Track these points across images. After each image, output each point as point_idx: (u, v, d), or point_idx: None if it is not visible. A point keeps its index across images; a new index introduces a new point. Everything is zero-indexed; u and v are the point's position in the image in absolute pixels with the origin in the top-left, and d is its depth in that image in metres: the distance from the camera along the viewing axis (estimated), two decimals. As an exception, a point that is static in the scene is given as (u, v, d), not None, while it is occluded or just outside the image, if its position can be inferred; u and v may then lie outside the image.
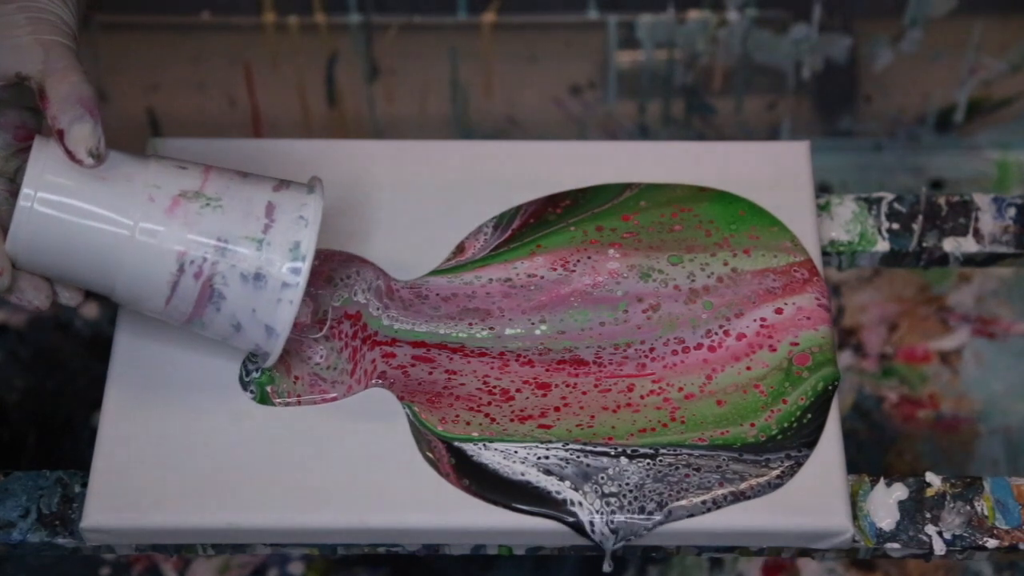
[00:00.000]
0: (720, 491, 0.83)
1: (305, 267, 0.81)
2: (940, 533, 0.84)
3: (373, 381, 0.86)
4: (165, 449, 0.84)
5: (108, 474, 0.84)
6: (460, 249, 0.92)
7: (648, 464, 0.84)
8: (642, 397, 0.86)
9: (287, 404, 0.86)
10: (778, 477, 0.83)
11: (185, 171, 0.81)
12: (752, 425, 0.85)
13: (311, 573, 1.22)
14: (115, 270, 0.80)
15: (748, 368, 0.88)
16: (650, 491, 0.83)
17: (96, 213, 0.79)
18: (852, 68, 1.34)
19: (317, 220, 0.82)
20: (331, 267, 0.91)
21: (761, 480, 0.83)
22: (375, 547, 0.85)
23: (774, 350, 0.88)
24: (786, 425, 0.85)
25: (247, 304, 0.81)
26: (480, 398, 0.86)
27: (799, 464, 0.84)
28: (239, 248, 0.80)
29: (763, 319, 0.89)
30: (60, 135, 0.77)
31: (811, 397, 0.86)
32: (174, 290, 0.81)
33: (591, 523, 0.82)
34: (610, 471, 0.84)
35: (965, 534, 0.84)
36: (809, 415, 0.86)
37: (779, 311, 0.90)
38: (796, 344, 0.88)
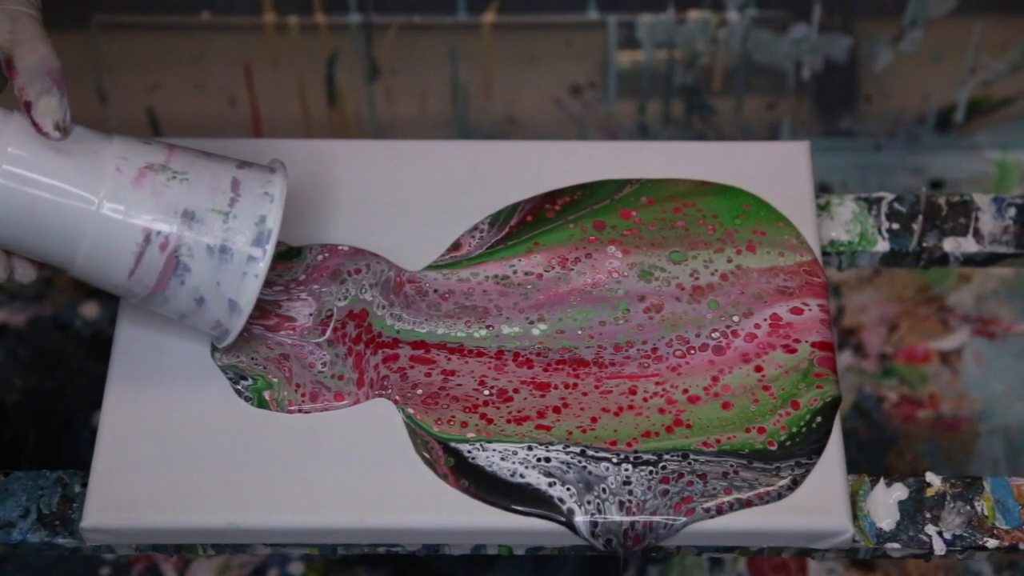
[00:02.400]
0: (726, 498, 0.83)
1: (271, 242, 0.81)
2: (940, 533, 0.84)
3: (376, 392, 0.86)
4: (165, 449, 0.84)
5: (108, 474, 0.84)
6: (456, 246, 0.92)
7: (651, 471, 0.84)
8: (645, 399, 0.86)
9: (289, 413, 0.86)
10: (788, 486, 0.83)
11: (149, 146, 0.81)
12: (761, 431, 0.85)
13: (311, 573, 1.22)
14: (78, 241, 0.80)
15: (759, 369, 0.87)
16: (653, 502, 0.83)
17: (60, 187, 0.79)
18: (852, 68, 1.34)
19: (282, 198, 0.82)
20: (337, 261, 0.91)
21: (770, 489, 0.83)
22: (375, 547, 0.85)
23: (792, 351, 0.87)
24: (795, 430, 0.85)
25: (212, 277, 0.81)
26: (477, 399, 0.86)
27: (808, 472, 0.84)
28: (205, 220, 0.81)
29: (776, 318, 0.89)
30: (27, 107, 0.77)
31: (824, 399, 0.86)
32: (138, 262, 0.81)
33: (592, 526, 0.82)
34: (611, 481, 0.83)
35: (965, 534, 0.84)
36: (819, 418, 0.85)
37: (798, 311, 0.89)
38: (816, 345, 0.88)
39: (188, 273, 0.81)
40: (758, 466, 0.83)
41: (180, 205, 0.80)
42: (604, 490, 0.83)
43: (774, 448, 0.84)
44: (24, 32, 0.78)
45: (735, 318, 0.89)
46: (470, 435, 0.85)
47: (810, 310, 0.89)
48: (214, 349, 0.88)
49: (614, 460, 0.84)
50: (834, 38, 1.32)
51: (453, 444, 0.84)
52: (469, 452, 0.84)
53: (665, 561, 1.21)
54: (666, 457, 0.84)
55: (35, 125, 0.78)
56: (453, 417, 0.85)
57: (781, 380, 0.87)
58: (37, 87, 0.77)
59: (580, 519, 0.82)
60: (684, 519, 0.82)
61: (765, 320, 0.89)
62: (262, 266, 0.81)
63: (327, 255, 0.91)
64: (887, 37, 1.32)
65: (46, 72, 0.77)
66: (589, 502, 0.83)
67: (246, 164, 0.84)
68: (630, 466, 0.84)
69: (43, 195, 0.79)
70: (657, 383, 0.87)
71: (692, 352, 0.88)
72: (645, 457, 0.84)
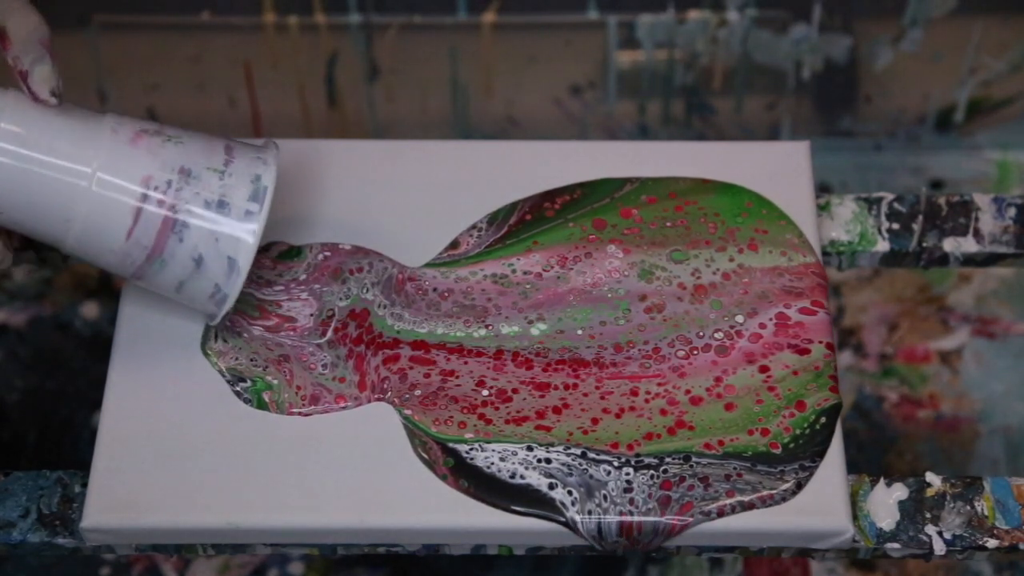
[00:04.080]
0: (728, 501, 0.82)
1: (267, 198, 0.82)
2: (940, 533, 0.84)
3: (377, 396, 0.86)
4: (165, 449, 0.84)
5: (108, 474, 0.84)
6: (454, 244, 0.92)
7: (652, 475, 0.83)
8: (647, 400, 0.86)
9: (290, 415, 0.86)
10: (792, 490, 0.83)
11: (141, 119, 0.83)
12: (764, 432, 0.85)
13: (311, 573, 1.22)
14: (75, 206, 0.80)
15: (764, 369, 0.87)
16: (654, 506, 0.83)
17: (57, 149, 0.80)
18: (852, 68, 1.34)
19: (275, 162, 0.83)
20: (339, 260, 0.91)
21: (774, 492, 0.83)
22: (375, 547, 0.85)
23: (804, 351, 0.87)
24: (798, 432, 0.85)
25: (210, 233, 0.82)
26: (476, 399, 0.86)
27: (811, 474, 0.84)
28: (202, 177, 0.82)
29: (784, 318, 0.89)
30: (23, 76, 0.79)
31: (833, 400, 0.86)
32: (137, 220, 0.81)
33: (593, 527, 0.82)
34: (612, 487, 0.83)
35: (965, 534, 0.84)
36: (824, 419, 0.85)
37: (809, 311, 0.89)
38: (827, 346, 0.88)
39: (186, 230, 0.82)
40: (762, 469, 0.83)
41: (176, 163, 0.82)
42: (605, 497, 0.83)
43: (778, 451, 0.84)
44: (12, 2, 0.79)
45: (738, 318, 0.89)
46: (468, 435, 0.85)
47: (819, 311, 0.89)
48: (209, 353, 0.87)
49: (615, 463, 0.84)
50: (834, 38, 1.32)
51: (451, 444, 0.84)
52: (468, 453, 0.84)
53: (665, 561, 1.21)
54: (668, 460, 0.84)
55: (32, 93, 0.79)
56: (451, 417, 0.85)
57: (788, 380, 0.86)
58: (31, 56, 0.79)
59: (580, 519, 0.82)
60: (687, 525, 0.82)
61: (771, 320, 0.88)
62: (260, 221, 0.82)
63: (329, 254, 0.91)
64: (887, 37, 1.32)
65: (38, 41, 0.79)
66: (591, 511, 0.82)
67: (235, 139, 0.86)
68: (631, 469, 0.84)
69: (40, 158, 0.79)
70: (659, 384, 0.86)
71: (695, 352, 0.88)
72: (647, 461, 0.84)
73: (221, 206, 0.82)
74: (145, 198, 0.81)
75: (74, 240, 0.82)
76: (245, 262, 0.83)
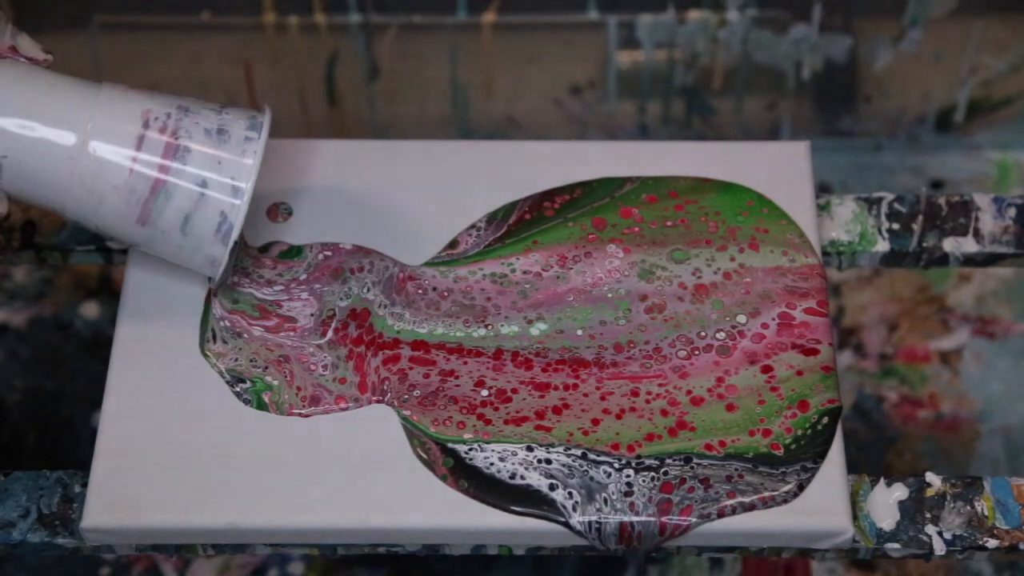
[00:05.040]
0: (729, 502, 0.82)
1: (264, 130, 0.84)
2: (940, 533, 0.84)
3: (377, 398, 0.86)
4: (165, 449, 0.84)
5: (108, 474, 0.84)
6: (453, 244, 0.92)
7: (653, 477, 0.83)
8: (647, 401, 0.86)
9: (290, 415, 0.86)
10: (794, 492, 0.83)
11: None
12: (766, 433, 0.85)
13: (311, 573, 1.22)
14: (78, 141, 0.81)
15: (767, 369, 0.87)
16: (655, 510, 0.82)
17: (59, 89, 0.82)
18: (852, 68, 1.34)
19: (267, 116, 0.85)
20: (340, 260, 0.91)
21: (775, 493, 0.83)
22: (375, 547, 0.85)
23: (811, 352, 0.87)
24: (800, 433, 0.85)
25: (213, 156, 0.83)
26: (475, 399, 0.86)
27: (813, 476, 0.83)
28: (200, 112, 0.84)
29: (788, 318, 0.88)
30: (13, 50, 0.83)
31: (837, 400, 0.86)
32: (140, 146, 0.82)
33: (593, 527, 0.82)
34: (612, 489, 0.83)
35: (965, 534, 0.84)
36: (826, 419, 0.85)
37: (816, 312, 0.89)
38: (832, 347, 0.87)
39: (188, 155, 0.83)
40: (763, 470, 0.83)
41: (174, 102, 0.84)
42: (606, 500, 0.83)
43: (780, 452, 0.84)
44: None
45: (740, 318, 0.89)
46: (467, 436, 0.85)
47: (822, 311, 0.89)
48: (209, 354, 0.87)
49: (616, 465, 0.84)
50: (834, 38, 1.32)
51: (450, 445, 0.84)
52: (467, 453, 0.84)
53: (665, 561, 1.21)
54: (668, 461, 0.84)
55: (28, 59, 0.83)
56: (450, 418, 0.85)
57: (792, 381, 0.86)
58: (6, 34, 0.83)
59: (580, 520, 0.82)
60: (687, 526, 0.82)
61: (773, 320, 0.88)
62: (259, 146, 0.83)
63: (329, 254, 0.91)
64: (887, 37, 1.32)
65: (7, 20, 0.84)
66: (591, 513, 0.82)
67: None
68: (632, 471, 0.83)
69: (43, 99, 0.82)
70: (660, 384, 0.86)
71: (696, 353, 0.88)
72: (647, 462, 0.84)
73: (221, 133, 0.83)
74: (147, 125, 0.82)
75: (78, 181, 0.82)
76: (249, 186, 0.83)
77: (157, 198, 0.83)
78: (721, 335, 0.88)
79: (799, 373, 0.86)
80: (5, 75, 0.82)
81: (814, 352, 0.87)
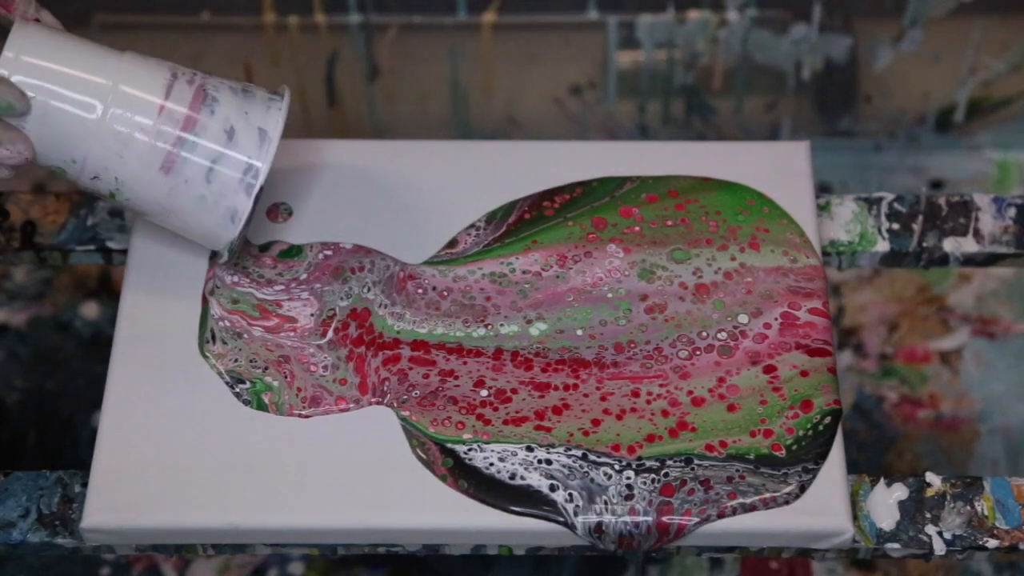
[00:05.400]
0: (730, 503, 0.82)
1: (286, 98, 0.85)
2: (940, 533, 0.84)
3: (377, 399, 0.86)
4: (165, 449, 0.84)
5: (108, 474, 0.84)
6: (452, 243, 0.92)
7: (654, 479, 0.83)
8: (648, 402, 0.86)
9: (290, 416, 0.86)
10: (795, 493, 0.83)
11: None
12: (767, 433, 0.84)
13: (311, 573, 1.22)
14: (109, 81, 0.82)
15: (770, 369, 0.87)
16: (654, 513, 0.82)
17: (86, 49, 0.83)
18: (852, 68, 1.34)
19: (288, 92, 0.86)
20: (340, 259, 0.91)
21: (777, 495, 0.83)
22: (375, 547, 0.85)
23: (817, 353, 0.87)
24: (801, 433, 0.85)
25: (239, 108, 0.84)
26: (474, 399, 0.86)
27: (814, 477, 0.83)
28: (224, 77, 0.85)
29: (792, 318, 0.88)
30: (38, 23, 0.84)
31: (840, 400, 0.86)
32: (169, 92, 0.83)
33: (593, 527, 0.82)
34: (612, 492, 0.83)
35: (965, 534, 0.84)
36: (828, 419, 0.85)
37: (820, 313, 0.89)
38: (833, 347, 0.87)
39: (216, 104, 0.83)
40: (765, 471, 0.83)
41: (198, 68, 0.86)
42: (606, 504, 0.83)
43: (781, 453, 0.84)
44: None
45: (741, 318, 0.89)
46: (466, 436, 0.85)
47: (826, 312, 0.89)
48: (208, 356, 0.87)
49: (616, 467, 0.84)
50: (834, 38, 1.32)
51: (449, 445, 0.84)
52: (466, 453, 0.84)
53: (665, 561, 1.21)
54: (669, 463, 0.84)
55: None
56: (449, 418, 0.85)
57: (795, 381, 0.86)
58: (33, 6, 0.84)
59: (580, 521, 0.82)
60: (687, 528, 0.82)
61: (776, 320, 0.88)
62: (284, 102, 0.85)
63: (330, 253, 0.91)
64: (887, 37, 1.32)
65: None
66: (591, 515, 0.82)
67: None
68: (632, 473, 0.83)
69: (72, 46, 0.83)
70: (661, 384, 0.86)
71: (697, 353, 0.87)
72: (648, 464, 0.84)
73: (246, 91, 0.85)
74: (175, 76, 0.83)
75: (106, 124, 0.82)
76: (275, 132, 0.84)
77: (184, 144, 0.83)
78: (723, 335, 0.88)
79: (803, 373, 0.86)
80: (35, 29, 0.82)
81: (819, 352, 0.87)
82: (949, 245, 0.94)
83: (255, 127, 0.84)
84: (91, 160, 0.83)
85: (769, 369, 0.87)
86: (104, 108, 0.82)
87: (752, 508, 0.82)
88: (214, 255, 0.90)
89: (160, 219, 0.86)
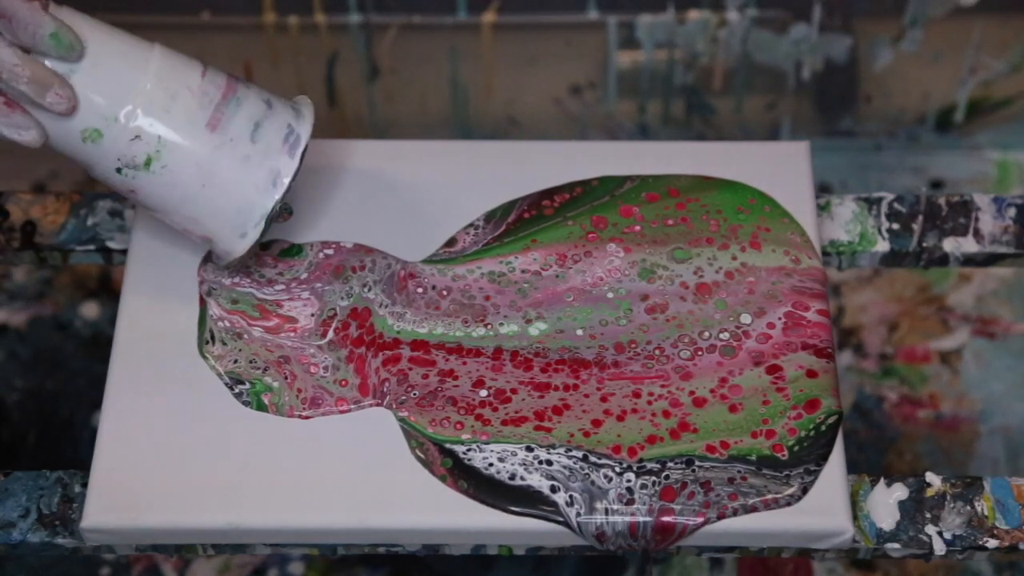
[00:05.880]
0: (731, 504, 0.82)
1: (310, 105, 0.87)
2: (940, 533, 0.84)
3: (377, 401, 0.86)
4: (165, 449, 0.84)
5: (108, 474, 0.84)
6: (451, 242, 0.92)
7: (655, 481, 0.83)
8: (649, 402, 0.86)
9: (290, 417, 0.86)
10: (797, 495, 0.83)
11: None
12: (769, 434, 0.84)
13: (311, 573, 1.22)
14: (150, 47, 0.84)
15: (774, 369, 0.86)
16: (655, 517, 0.82)
17: (120, 35, 0.84)
18: (852, 68, 1.34)
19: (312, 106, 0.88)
20: (341, 258, 0.91)
21: (779, 496, 0.83)
22: (375, 547, 0.85)
23: (822, 353, 0.87)
24: (803, 434, 0.84)
25: (269, 93, 0.86)
26: (473, 399, 0.86)
27: (816, 478, 0.83)
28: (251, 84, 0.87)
29: (797, 318, 0.88)
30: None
31: (842, 400, 0.86)
32: (205, 72, 0.84)
33: (593, 531, 0.82)
34: (613, 495, 0.83)
35: (965, 534, 0.84)
36: (831, 420, 0.85)
37: (824, 312, 0.88)
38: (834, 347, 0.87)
39: (249, 89, 0.85)
40: (767, 473, 0.83)
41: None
42: (607, 510, 0.82)
43: (783, 455, 0.84)
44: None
45: (744, 318, 0.88)
46: (465, 436, 0.85)
47: (827, 313, 0.89)
48: (207, 357, 0.87)
49: (617, 469, 0.83)
50: (834, 38, 1.32)
51: (448, 445, 0.84)
52: (465, 453, 0.84)
53: (665, 561, 1.21)
54: (670, 465, 0.83)
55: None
56: (447, 418, 0.85)
57: (801, 381, 0.86)
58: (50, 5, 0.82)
59: (580, 523, 0.82)
60: (687, 529, 0.82)
61: (779, 319, 0.88)
62: (308, 104, 0.87)
63: (331, 252, 0.91)
64: (887, 37, 1.32)
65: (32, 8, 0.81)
66: (591, 516, 0.82)
67: None
68: (632, 475, 0.83)
69: (109, 28, 0.84)
70: (662, 385, 0.86)
71: (699, 353, 0.87)
72: (648, 466, 0.83)
73: (273, 95, 0.86)
74: (206, 68, 0.84)
75: (154, 76, 0.82)
76: (309, 112, 0.86)
77: (228, 104, 0.84)
78: (725, 335, 0.88)
79: (809, 374, 0.86)
80: (70, 9, 0.83)
81: (824, 353, 0.87)
82: (949, 245, 0.94)
83: (289, 105, 0.86)
84: (136, 115, 0.82)
85: (773, 369, 0.86)
86: (151, 64, 0.83)
87: (753, 509, 0.82)
88: (207, 259, 0.90)
89: (193, 191, 0.84)
